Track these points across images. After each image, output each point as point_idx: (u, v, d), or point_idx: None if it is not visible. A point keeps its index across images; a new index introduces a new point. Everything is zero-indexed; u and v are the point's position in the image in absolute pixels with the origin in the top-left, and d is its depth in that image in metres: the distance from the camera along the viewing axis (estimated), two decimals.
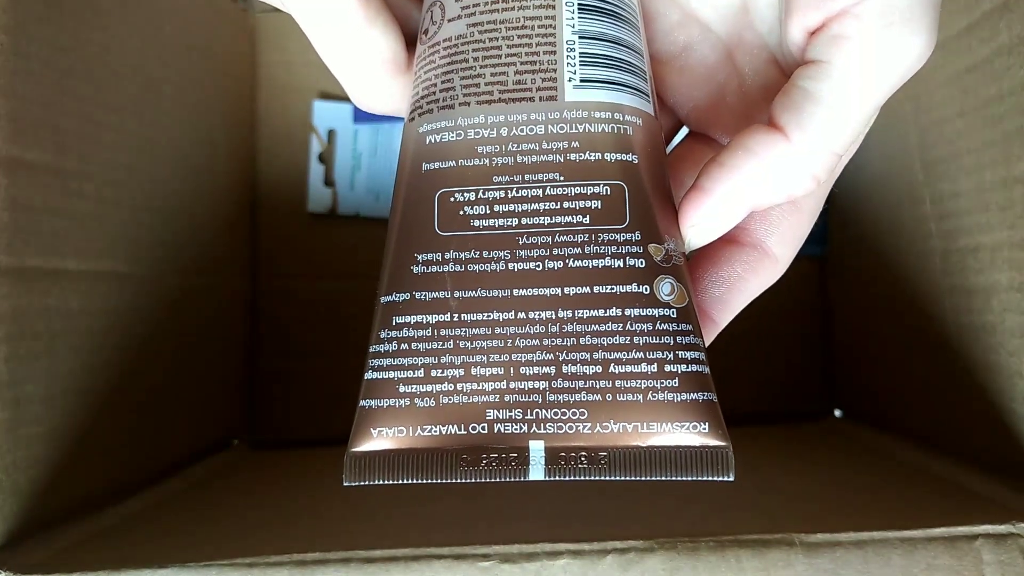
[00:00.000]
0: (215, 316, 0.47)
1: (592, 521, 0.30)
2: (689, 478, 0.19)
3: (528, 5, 0.21)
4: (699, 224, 0.21)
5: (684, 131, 0.25)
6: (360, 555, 0.24)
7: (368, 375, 0.20)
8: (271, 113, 0.54)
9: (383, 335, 0.20)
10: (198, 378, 0.45)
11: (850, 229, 0.49)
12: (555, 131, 0.20)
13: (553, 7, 0.21)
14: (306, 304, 0.53)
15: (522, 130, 0.21)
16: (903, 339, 0.42)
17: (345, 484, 0.20)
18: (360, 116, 0.54)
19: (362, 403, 0.20)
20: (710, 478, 0.19)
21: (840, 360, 0.52)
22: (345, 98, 0.52)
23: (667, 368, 0.19)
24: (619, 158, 0.20)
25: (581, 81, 0.21)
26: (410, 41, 0.22)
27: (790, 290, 0.54)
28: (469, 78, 0.21)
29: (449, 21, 0.21)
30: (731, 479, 0.19)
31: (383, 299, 0.20)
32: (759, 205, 0.21)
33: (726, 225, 0.21)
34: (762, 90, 0.23)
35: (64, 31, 0.31)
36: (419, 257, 0.20)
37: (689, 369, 0.19)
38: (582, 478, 0.19)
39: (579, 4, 0.21)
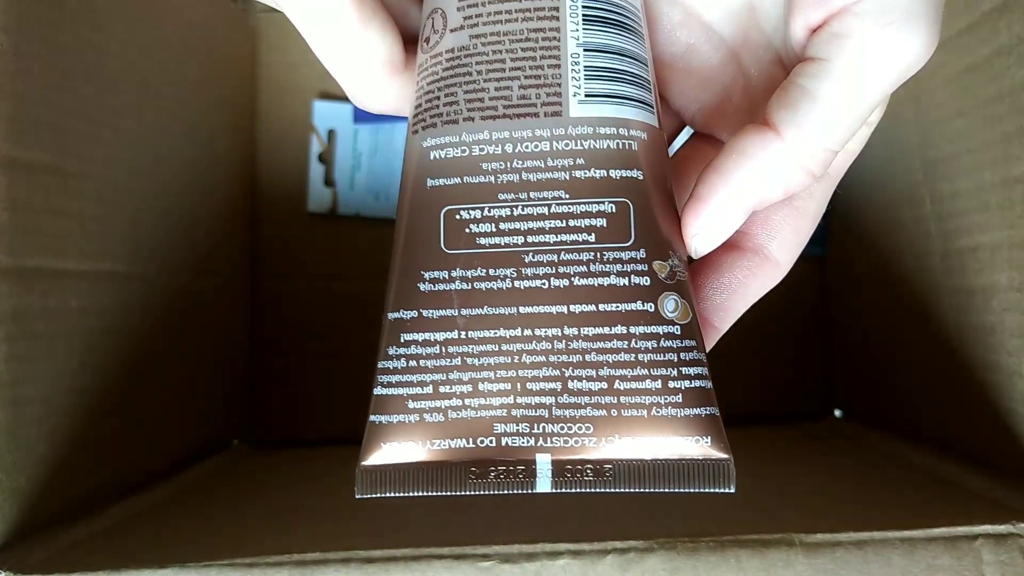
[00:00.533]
0: (215, 316, 0.47)
1: (592, 521, 0.30)
2: (692, 490, 0.19)
3: (532, 16, 0.21)
4: (701, 233, 0.21)
5: (688, 131, 0.25)
6: (360, 555, 0.24)
7: (377, 391, 0.20)
8: (271, 113, 0.54)
9: (391, 352, 0.20)
10: (198, 378, 0.45)
11: (850, 229, 0.49)
12: (560, 148, 0.20)
13: (557, 19, 0.21)
14: (306, 304, 0.53)
15: (527, 147, 0.20)
16: (903, 339, 0.42)
17: (357, 497, 0.20)
18: (360, 116, 0.54)
19: (372, 418, 0.20)
20: (712, 490, 0.19)
21: (840, 360, 0.52)
22: (345, 98, 0.52)
23: (671, 384, 0.20)
24: (624, 175, 0.20)
25: (586, 96, 0.21)
26: (407, 40, 0.22)
27: (790, 290, 0.53)
28: (473, 92, 0.21)
29: (451, 31, 0.21)
30: (732, 491, 0.19)
31: (390, 315, 0.21)
32: (759, 205, 0.21)
33: (728, 230, 0.21)
34: (767, 91, 0.23)
35: (64, 31, 0.31)
36: (426, 275, 0.20)
37: (692, 385, 0.20)
38: (588, 490, 0.20)
39: (584, 15, 0.21)
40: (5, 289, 0.28)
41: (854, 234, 0.49)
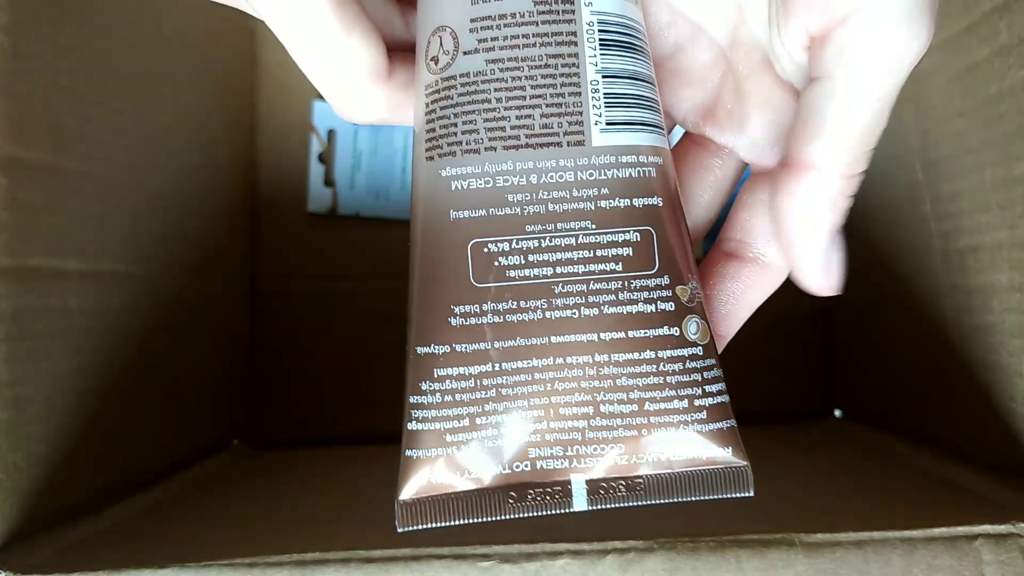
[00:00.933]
0: (215, 316, 0.47)
1: (592, 521, 0.30)
2: (716, 496, 0.21)
3: (550, 42, 0.21)
4: (820, 279, 0.22)
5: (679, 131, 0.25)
6: (360, 555, 0.24)
7: (411, 425, 0.21)
8: (271, 113, 0.54)
9: (424, 387, 0.21)
10: (198, 378, 0.45)
11: (850, 229, 0.49)
12: (585, 178, 0.21)
13: (576, 44, 0.21)
14: (306, 304, 0.53)
15: (552, 177, 0.21)
16: (903, 339, 0.42)
17: (399, 531, 0.21)
18: None
19: (408, 453, 0.21)
20: (734, 495, 0.21)
21: (840, 360, 0.52)
22: None
23: (696, 402, 0.21)
24: (646, 203, 0.21)
25: (607, 124, 0.21)
26: (390, 47, 0.21)
27: (790, 290, 0.53)
28: (493, 120, 0.21)
29: (465, 54, 0.21)
30: (751, 495, 0.21)
31: (419, 350, 0.21)
32: (836, 227, 0.21)
33: (833, 262, 0.22)
34: (756, 90, 0.23)
35: (64, 31, 0.31)
36: (456, 309, 0.20)
37: (715, 401, 0.21)
38: (622, 505, 0.21)
39: (600, 40, 0.21)
40: (5, 289, 0.28)
41: (854, 234, 0.48)
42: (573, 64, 0.21)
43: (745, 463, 0.21)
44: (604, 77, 0.21)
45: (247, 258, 0.52)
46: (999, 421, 0.33)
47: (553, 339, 0.20)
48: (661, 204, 0.21)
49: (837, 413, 0.52)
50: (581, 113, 0.21)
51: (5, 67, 0.28)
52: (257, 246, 0.53)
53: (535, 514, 0.21)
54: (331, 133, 0.54)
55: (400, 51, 0.22)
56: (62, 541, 0.29)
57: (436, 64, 0.21)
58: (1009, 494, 0.30)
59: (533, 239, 0.21)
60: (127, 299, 0.36)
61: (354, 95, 0.21)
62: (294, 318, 0.53)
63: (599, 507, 0.21)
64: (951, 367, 0.37)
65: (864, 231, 0.47)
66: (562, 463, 0.20)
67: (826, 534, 0.25)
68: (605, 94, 0.21)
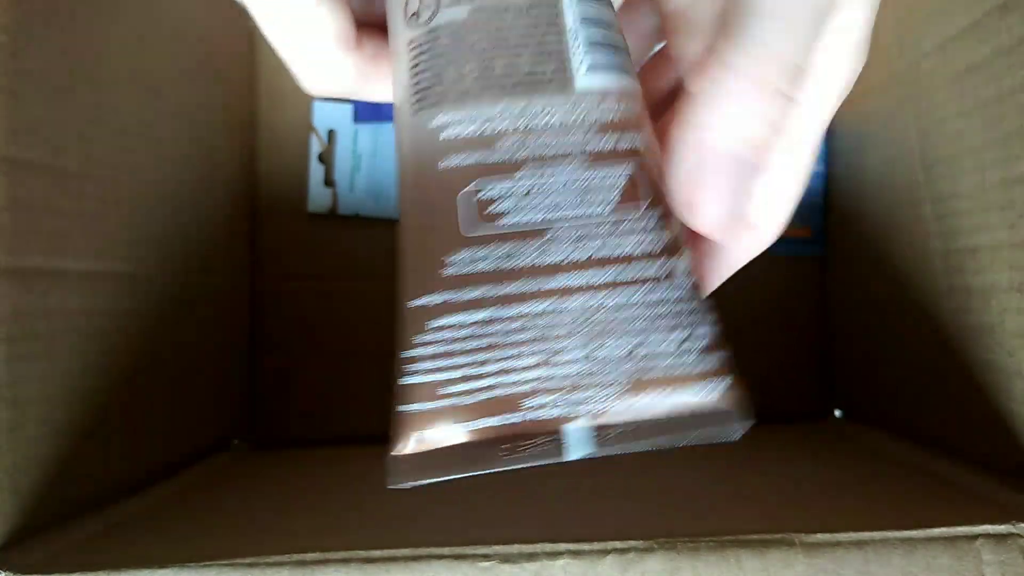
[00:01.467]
0: (215, 316, 0.47)
1: (592, 521, 0.30)
2: (707, 441, 0.20)
3: None
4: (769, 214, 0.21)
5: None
6: (360, 555, 0.24)
7: (405, 380, 0.20)
8: (271, 113, 0.54)
9: (417, 340, 0.20)
10: (198, 378, 0.45)
11: (850, 229, 0.49)
12: (571, 121, 0.21)
13: None
14: (306, 304, 0.53)
15: (539, 122, 0.21)
16: (903, 339, 0.42)
17: (390, 487, 0.20)
18: (360, 116, 0.54)
19: (401, 408, 0.20)
20: (722, 439, 0.20)
21: (840, 360, 0.52)
22: (346, 99, 0.52)
23: (686, 344, 0.20)
24: (629, 145, 0.21)
25: (588, 68, 0.21)
26: (359, 21, 0.21)
27: (789, 290, 0.53)
28: (480, 68, 0.21)
29: (446, 6, 0.21)
30: (739, 438, 0.20)
31: (411, 304, 0.20)
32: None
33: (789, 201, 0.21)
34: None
35: (64, 31, 0.31)
36: (447, 259, 0.20)
37: (705, 342, 0.21)
38: (616, 451, 0.20)
39: None
40: (5, 289, 0.28)
41: (854, 234, 0.49)
42: (553, 11, 0.21)
43: (732, 409, 0.20)
44: (583, 22, 0.21)
45: (247, 258, 0.52)
46: (999, 421, 0.33)
47: (545, 286, 0.20)
48: (642, 146, 0.21)
49: (837, 413, 0.52)
50: (565, 59, 0.21)
51: (5, 67, 0.28)
52: (257, 246, 0.53)
53: (527, 465, 0.20)
54: (331, 133, 0.54)
55: (368, 26, 0.22)
56: (62, 541, 0.29)
57: (419, 19, 0.21)
58: (1009, 494, 0.30)
59: (523, 184, 0.20)
60: (127, 299, 0.36)
61: (322, 64, 0.21)
62: (294, 318, 0.53)
63: (592, 454, 0.20)
64: (951, 367, 0.37)
65: (864, 231, 0.47)
66: (553, 412, 0.20)
67: (826, 534, 0.25)
68: (585, 39, 0.21)
